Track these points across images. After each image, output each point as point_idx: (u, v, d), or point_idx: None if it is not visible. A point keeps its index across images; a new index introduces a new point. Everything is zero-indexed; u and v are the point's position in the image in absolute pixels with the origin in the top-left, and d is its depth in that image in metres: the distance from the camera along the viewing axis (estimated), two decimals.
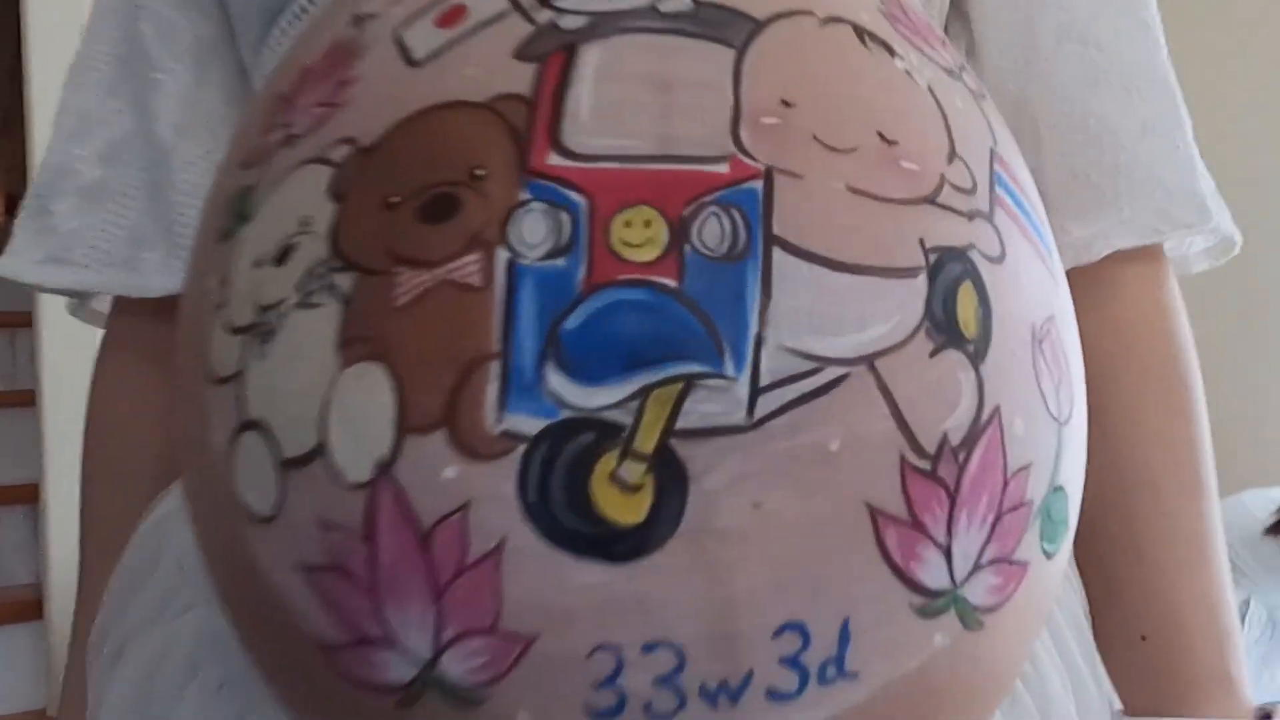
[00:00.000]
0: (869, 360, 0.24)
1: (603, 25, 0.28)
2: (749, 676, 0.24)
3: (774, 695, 0.24)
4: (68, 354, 1.83)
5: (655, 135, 0.26)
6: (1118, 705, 0.40)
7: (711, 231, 0.25)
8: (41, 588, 1.83)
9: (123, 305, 0.51)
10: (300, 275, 0.26)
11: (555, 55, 0.27)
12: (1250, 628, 1.35)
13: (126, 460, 0.50)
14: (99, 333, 0.53)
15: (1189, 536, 0.40)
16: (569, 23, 0.28)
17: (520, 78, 0.27)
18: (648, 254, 0.24)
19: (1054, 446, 0.27)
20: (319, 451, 0.24)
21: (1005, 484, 0.26)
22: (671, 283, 0.24)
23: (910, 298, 0.25)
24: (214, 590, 0.30)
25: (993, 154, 0.30)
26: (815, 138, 0.26)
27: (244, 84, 0.49)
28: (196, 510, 0.29)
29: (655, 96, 0.26)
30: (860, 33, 0.29)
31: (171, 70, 0.48)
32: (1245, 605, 1.36)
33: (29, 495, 1.93)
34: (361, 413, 0.24)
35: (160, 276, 0.47)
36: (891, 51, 0.29)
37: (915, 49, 0.31)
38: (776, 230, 0.25)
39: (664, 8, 0.28)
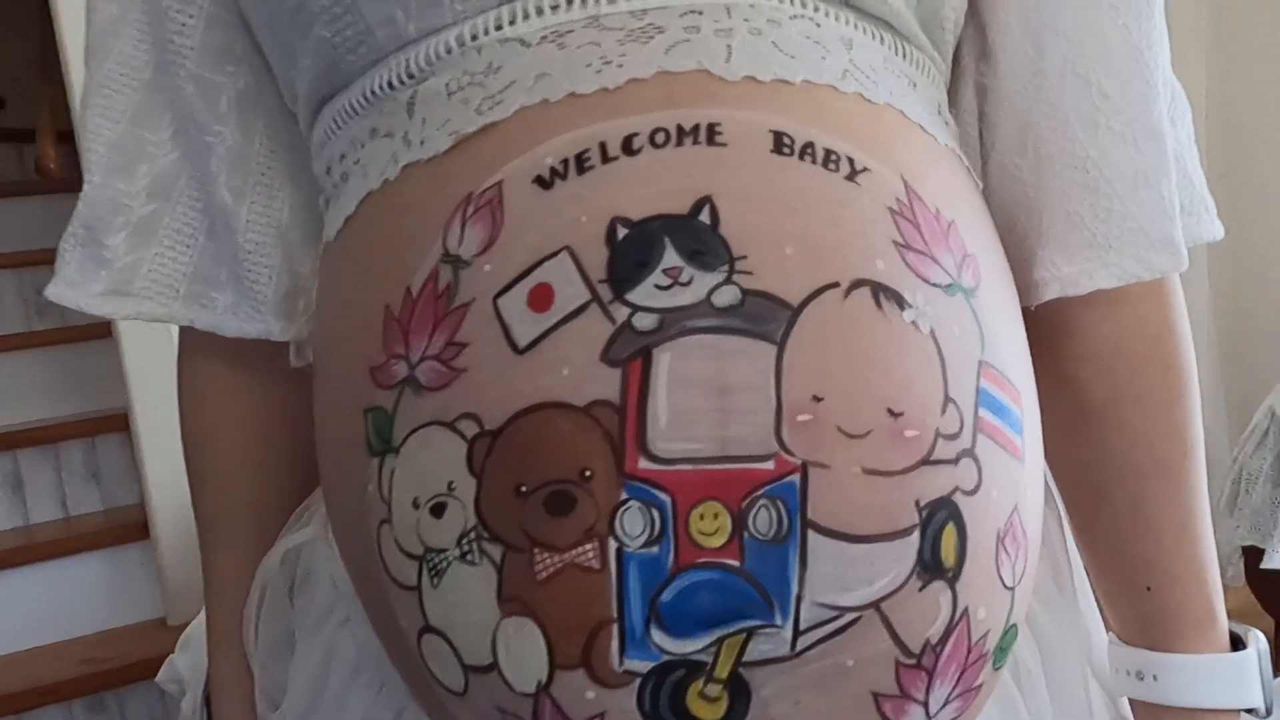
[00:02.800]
0: (875, 604, 0.34)
1: (669, 325, 0.34)
2: None
3: None
4: None
5: (717, 439, 0.33)
6: (1100, 638, 0.52)
7: (763, 520, 0.33)
8: (145, 508, 1.90)
9: None
10: (457, 534, 0.35)
11: (635, 362, 0.34)
12: None
13: (223, 463, 0.57)
14: None
15: (1187, 508, 0.49)
16: (641, 323, 0.34)
17: (609, 384, 0.34)
18: (717, 541, 0.33)
19: (1007, 607, 0.38)
20: (493, 666, 0.35)
21: (969, 651, 0.36)
22: (735, 563, 0.33)
23: (906, 552, 0.34)
24: (407, 686, 0.42)
25: (980, 367, 0.37)
26: (839, 429, 0.34)
27: (289, 127, 0.50)
28: (389, 648, 0.41)
29: (715, 402, 0.34)
30: (877, 293, 0.36)
31: (219, 133, 0.49)
32: None
33: (122, 423, 1.94)
34: (523, 650, 0.35)
35: (235, 319, 0.51)
36: (902, 304, 0.36)
37: (922, 281, 0.37)
38: (810, 516, 0.33)
39: (717, 301, 0.34)
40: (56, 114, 2.31)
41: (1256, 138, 2.15)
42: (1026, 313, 0.45)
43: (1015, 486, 0.38)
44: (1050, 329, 0.47)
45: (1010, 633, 0.39)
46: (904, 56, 0.43)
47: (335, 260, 0.45)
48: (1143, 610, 0.49)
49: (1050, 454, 0.48)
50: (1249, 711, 0.48)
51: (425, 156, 0.41)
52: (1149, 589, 0.49)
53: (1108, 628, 0.52)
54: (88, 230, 0.51)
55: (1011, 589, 0.38)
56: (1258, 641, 0.49)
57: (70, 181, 2.28)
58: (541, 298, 0.36)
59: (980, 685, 0.38)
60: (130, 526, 1.94)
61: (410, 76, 0.42)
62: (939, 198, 0.40)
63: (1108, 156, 0.45)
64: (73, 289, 0.51)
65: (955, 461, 0.36)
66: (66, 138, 2.08)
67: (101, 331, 2.04)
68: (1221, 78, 2.14)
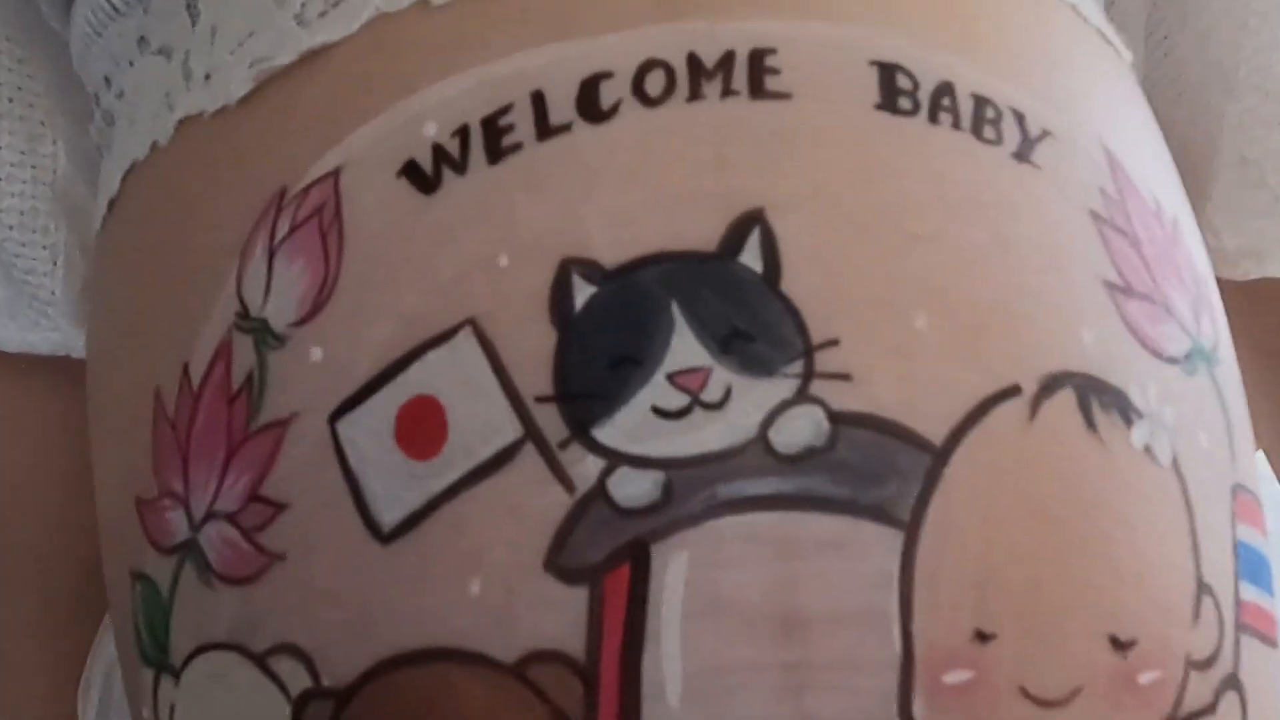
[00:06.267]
0: None
1: (684, 498, 0.17)
2: None
3: None
4: None
5: None
6: None
7: None
8: None
9: None
10: None
11: (614, 571, 0.17)
12: None
13: None
14: None
15: None
16: (628, 494, 0.17)
17: (564, 616, 0.17)
18: None
19: None
20: None
21: None
22: None
23: None
24: None
25: (1233, 496, 0.21)
26: (1024, 691, 0.17)
27: (50, 30, 0.32)
28: None
29: (780, 651, 0.17)
30: (1087, 397, 0.18)
31: None
32: None
33: None
34: None
35: (14, 328, 0.33)
36: (1128, 414, 0.19)
37: (1153, 356, 0.19)
38: None
39: (782, 441, 0.17)
40: None
41: None
42: None
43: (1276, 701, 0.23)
44: None
45: None
46: None
47: (101, 272, 0.27)
48: None
49: None
50: None
51: (211, 108, 0.22)
52: None
53: None
54: None
55: None
56: None
57: None
58: (423, 428, 0.18)
59: None
60: None
61: None
62: (1150, 174, 0.22)
63: None
64: None
65: (1213, 708, 0.20)
66: None
67: None
68: None
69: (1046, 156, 0.20)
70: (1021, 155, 0.19)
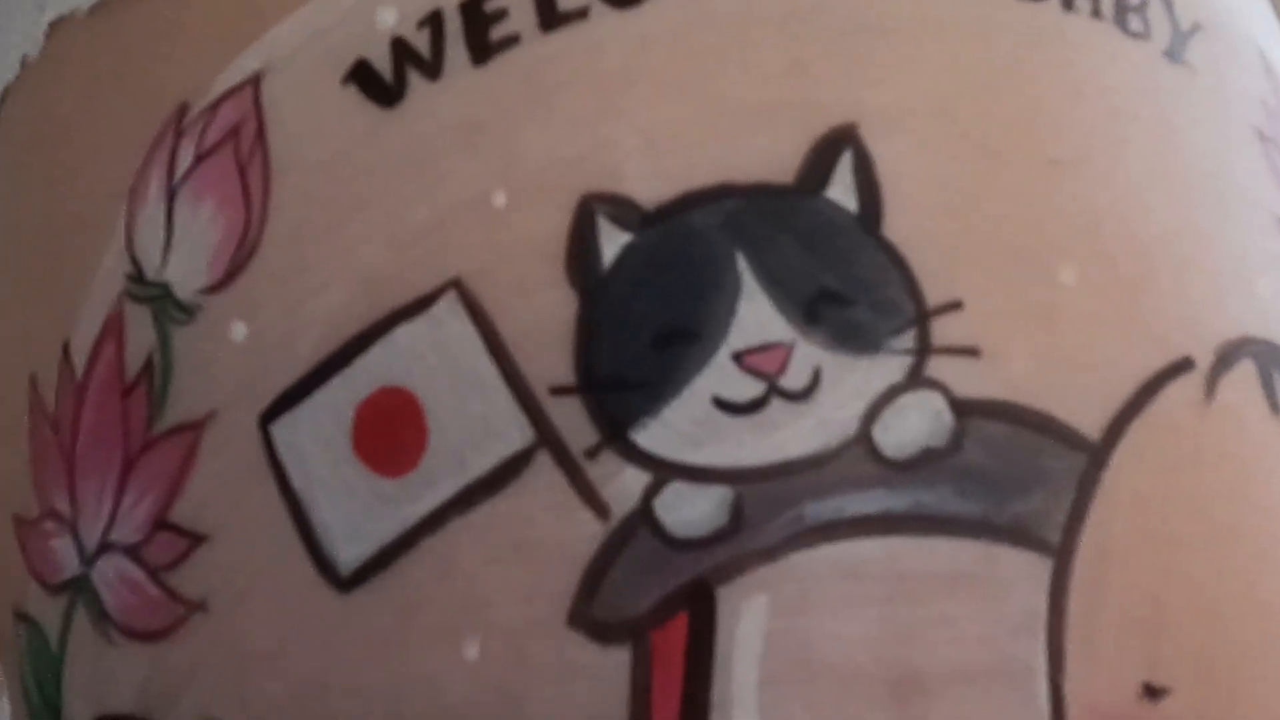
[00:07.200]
0: None
1: (760, 523, 0.12)
2: None
3: None
4: None
5: None
6: None
7: None
8: None
9: None
10: None
11: (666, 629, 0.12)
12: None
13: None
14: None
15: None
16: (684, 519, 0.12)
17: (596, 688, 0.12)
18: None
19: None
20: None
21: None
22: None
23: None
24: None
25: None
26: None
27: None
28: None
29: (889, 713, 0.13)
30: (1269, 373, 0.14)
31: None
32: None
33: None
34: None
35: None
36: None
37: None
38: None
39: (889, 444, 0.12)
40: None
41: None
42: None
43: None
44: None
45: None
46: None
47: None
48: None
49: None
50: None
51: (86, 3, 0.17)
52: None
53: None
54: None
55: None
56: None
57: None
58: (392, 431, 0.13)
59: None
60: None
61: None
62: None
63: None
64: None
65: None
66: None
67: None
68: None
69: (1201, 56, 0.15)
70: (1173, 54, 0.15)
